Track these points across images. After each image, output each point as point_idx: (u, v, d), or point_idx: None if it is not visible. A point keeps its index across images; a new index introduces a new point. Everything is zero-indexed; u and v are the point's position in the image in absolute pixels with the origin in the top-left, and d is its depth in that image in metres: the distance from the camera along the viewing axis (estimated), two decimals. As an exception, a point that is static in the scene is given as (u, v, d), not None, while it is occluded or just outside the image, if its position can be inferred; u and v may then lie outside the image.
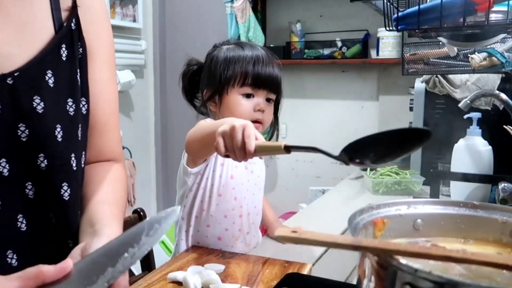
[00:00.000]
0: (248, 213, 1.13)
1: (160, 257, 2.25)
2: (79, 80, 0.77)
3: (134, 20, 2.91)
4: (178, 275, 0.89)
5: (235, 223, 1.10)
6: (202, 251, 1.06)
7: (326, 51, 3.16)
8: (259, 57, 1.08)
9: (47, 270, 0.57)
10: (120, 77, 2.72)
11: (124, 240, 0.60)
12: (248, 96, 1.08)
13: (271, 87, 1.09)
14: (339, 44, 3.10)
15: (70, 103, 0.74)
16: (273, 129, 1.21)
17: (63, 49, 0.74)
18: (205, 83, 1.13)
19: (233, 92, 1.08)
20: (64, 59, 0.74)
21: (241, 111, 1.07)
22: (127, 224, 1.31)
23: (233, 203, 1.09)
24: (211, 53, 1.13)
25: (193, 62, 1.18)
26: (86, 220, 0.75)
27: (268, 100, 1.10)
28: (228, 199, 1.09)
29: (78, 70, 0.77)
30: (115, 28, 2.73)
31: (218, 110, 1.10)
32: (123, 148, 2.82)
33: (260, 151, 0.84)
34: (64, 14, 0.75)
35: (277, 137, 1.21)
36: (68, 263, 0.58)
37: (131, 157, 2.91)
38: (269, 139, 1.21)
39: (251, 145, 0.77)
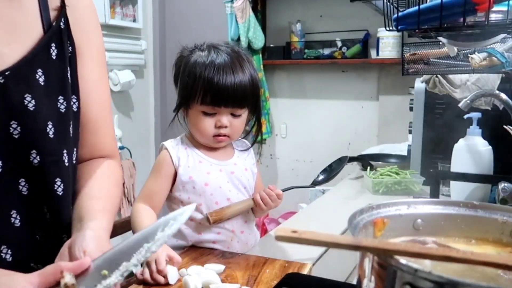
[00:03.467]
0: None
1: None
2: (69, 78, 0.78)
3: (134, 20, 2.91)
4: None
5: (225, 226, 1.10)
6: (202, 251, 1.06)
7: (326, 51, 3.16)
8: (220, 69, 1.02)
9: (65, 266, 0.59)
10: (120, 77, 2.72)
11: (141, 236, 0.63)
12: (209, 113, 1.05)
13: (234, 104, 1.04)
14: (339, 44, 3.10)
15: (61, 101, 0.76)
16: (256, 135, 1.18)
17: (53, 48, 0.75)
18: (176, 89, 1.11)
19: (195, 108, 1.05)
20: (54, 57, 0.75)
21: (202, 128, 1.06)
22: (127, 224, 1.31)
23: (215, 208, 1.08)
24: (183, 58, 1.09)
25: (185, 53, 1.12)
26: (75, 216, 0.76)
27: (234, 115, 1.07)
28: (210, 205, 1.08)
29: (68, 68, 0.78)
30: (115, 28, 2.74)
31: (186, 120, 1.10)
32: (123, 148, 2.83)
33: (234, 214, 1.08)
34: (52, 14, 0.76)
35: (261, 138, 1.19)
36: (86, 260, 0.61)
37: (131, 157, 2.91)
38: (253, 143, 1.19)
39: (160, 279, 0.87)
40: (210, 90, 1.02)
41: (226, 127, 1.06)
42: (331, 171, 1.31)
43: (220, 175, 1.10)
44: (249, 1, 3.03)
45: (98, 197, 0.79)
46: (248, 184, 1.14)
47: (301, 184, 1.38)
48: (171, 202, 1.11)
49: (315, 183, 1.27)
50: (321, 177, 1.30)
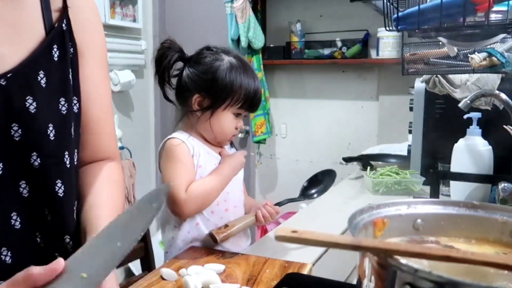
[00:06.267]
0: (234, 205, 1.17)
1: (160, 257, 2.26)
2: (71, 80, 0.77)
3: (134, 20, 2.91)
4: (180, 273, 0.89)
5: (222, 218, 1.14)
6: (202, 251, 1.06)
7: (326, 51, 3.16)
8: (260, 88, 1.15)
9: (37, 272, 0.54)
10: (120, 77, 2.72)
11: (115, 229, 0.59)
12: (237, 115, 1.14)
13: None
14: (339, 44, 3.10)
15: (62, 102, 0.75)
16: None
17: (55, 49, 0.74)
18: (199, 88, 1.11)
19: (229, 110, 1.12)
20: (55, 59, 0.74)
21: (229, 129, 1.14)
22: (127, 224, 1.31)
23: (217, 199, 1.12)
24: (212, 63, 1.11)
25: (169, 45, 1.12)
26: (82, 230, 0.76)
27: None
28: None
29: (70, 70, 0.77)
30: (115, 28, 2.74)
31: (208, 120, 1.11)
32: (123, 148, 2.82)
33: (239, 231, 1.12)
34: (54, 15, 0.76)
35: (249, 138, 1.25)
36: (59, 263, 0.56)
37: (131, 157, 2.91)
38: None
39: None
40: (252, 96, 1.12)
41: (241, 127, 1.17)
42: (317, 182, 1.32)
43: None
44: (249, 1, 3.03)
45: (102, 204, 0.79)
46: (241, 178, 1.21)
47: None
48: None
49: (306, 196, 1.30)
50: (313, 190, 1.32)
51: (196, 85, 1.11)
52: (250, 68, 1.15)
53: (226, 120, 1.12)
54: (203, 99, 1.11)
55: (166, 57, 1.11)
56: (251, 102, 1.13)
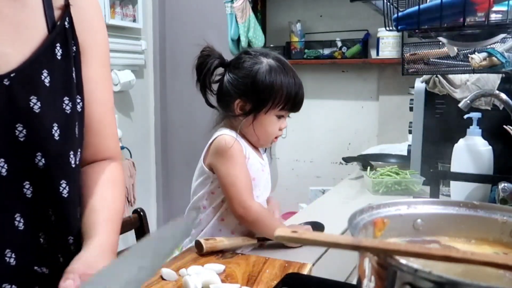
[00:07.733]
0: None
1: (160, 257, 2.25)
2: (74, 78, 0.77)
3: (134, 20, 2.91)
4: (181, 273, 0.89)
5: None
6: (202, 251, 1.06)
7: (326, 51, 3.16)
8: (301, 87, 1.14)
9: None
10: (120, 77, 2.72)
11: (132, 257, 0.56)
12: (280, 117, 1.15)
13: None
14: (339, 44, 3.10)
15: (66, 101, 0.75)
16: None
17: (58, 48, 0.74)
18: (240, 93, 1.13)
19: (271, 112, 1.13)
20: (59, 58, 0.74)
21: (273, 130, 1.16)
22: (127, 224, 1.31)
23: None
24: (251, 66, 1.12)
25: (208, 52, 1.13)
26: (83, 234, 0.76)
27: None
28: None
29: (73, 68, 0.77)
30: (115, 28, 2.74)
31: (251, 124, 1.13)
32: (123, 148, 2.82)
33: (226, 248, 1.07)
34: (56, 13, 0.75)
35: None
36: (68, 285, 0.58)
37: (131, 157, 2.91)
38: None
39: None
40: (293, 97, 1.13)
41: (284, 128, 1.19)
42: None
43: (262, 173, 1.19)
44: (249, 1, 3.03)
45: (100, 209, 0.78)
46: (269, 181, 1.23)
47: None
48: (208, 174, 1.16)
49: None
50: None
51: (237, 90, 1.13)
52: (290, 69, 1.15)
53: (269, 123, 1.14)
54: (245, 103, 1.13)
55: (206, 65, 1.13)
56: (293, 103, 1.13)
